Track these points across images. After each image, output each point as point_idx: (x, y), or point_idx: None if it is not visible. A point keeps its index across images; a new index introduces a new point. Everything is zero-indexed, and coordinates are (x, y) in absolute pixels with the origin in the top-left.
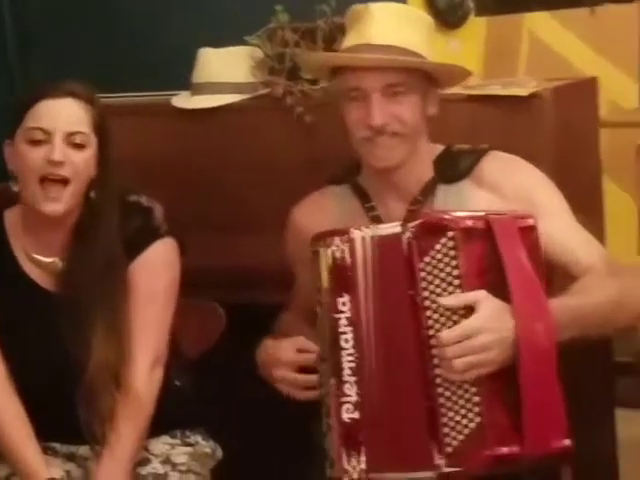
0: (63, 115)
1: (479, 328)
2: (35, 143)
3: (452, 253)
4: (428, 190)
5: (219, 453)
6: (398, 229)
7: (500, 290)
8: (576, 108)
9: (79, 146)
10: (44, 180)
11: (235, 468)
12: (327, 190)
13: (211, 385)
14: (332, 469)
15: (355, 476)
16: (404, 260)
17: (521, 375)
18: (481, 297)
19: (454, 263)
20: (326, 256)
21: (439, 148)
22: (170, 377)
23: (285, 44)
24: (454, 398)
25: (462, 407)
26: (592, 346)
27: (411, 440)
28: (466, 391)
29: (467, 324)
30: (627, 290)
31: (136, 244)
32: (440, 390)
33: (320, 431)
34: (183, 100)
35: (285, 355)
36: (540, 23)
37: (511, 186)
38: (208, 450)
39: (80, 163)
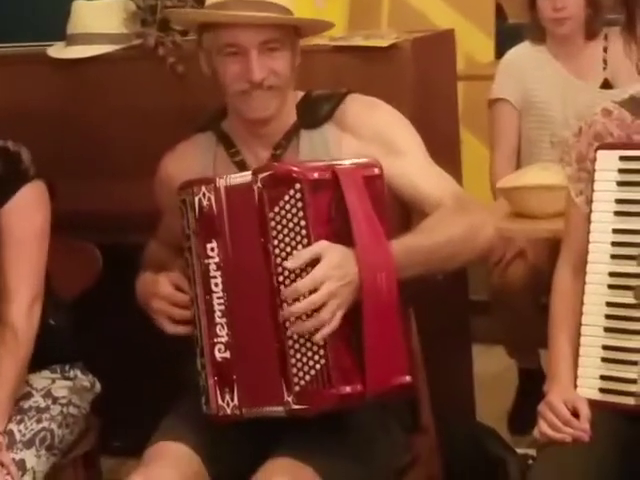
0: None
1: (322, 278)
2: None
3: (300, 204)
4: (291, 135)
5: (98, 387)
6: (249, 178)
7: (346, 238)
8: (435, 60)
9: None
10: None
11: (113, 401)
12: (194, 138)
13: (90, 322)
14: (207, 405)
15: (229, 412)
16: (255, 209)
17: (364, 319)
18: (324, 247)
19: (301, 214)
20: (193, 204)
21: (300, 94)
22: (46, 317)
23: None
24: (301, 341)
25: (309, 349)
26: (449, 286)
27: (266, 378)
28: (312, 334)
29: (311, 277)
30: (474, 227)
31: (6, 188)
32: (289, 333)
33: (194, 369)
34: (58, 50)
35: (162, 289)
36: None
37: (369, 126)
38: (87, 384)
39: None
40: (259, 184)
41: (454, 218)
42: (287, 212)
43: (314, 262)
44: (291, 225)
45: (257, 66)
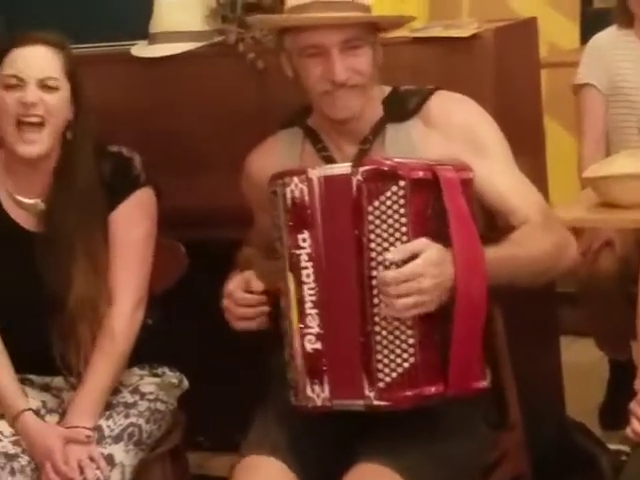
0: (35, 62)
1: (421, 272)
2: (10, 88)
3: (401, 201)
4: (378, 129)
5: (185, 383)
6: (348, 170)
7: (441, 238)
8: (517, 49)
9: (52, 89)
10: (21, 123)
11: (199, 396)
12: (279, 135)
13: (176, 319)
14: (296, 397)
15: (319, 403)
16: (352, 201)
17: (454, 322)
18: (424, 245)
19: (402, 211)
20: (285, 195)
21: (387, 89)
22: (144, 316)
23: None
24: (390, 337)
25: (397, 347)
26: None
27: (350, 371)
28: (402, 332)
29: (411, 267)
30: (561, 246)
31: (118, 192)
32: (377, 328)
33: (280, 361)
34: (141, 49)
35: (228, 286)
36: None
37: (456, 125)
38: (174, 380)
39: (54, 104)
40: (359, 177)
41: (542, 235)
42: (388, 208)
43: (411, 259)
44: (391, 221)
45: (339, 66)
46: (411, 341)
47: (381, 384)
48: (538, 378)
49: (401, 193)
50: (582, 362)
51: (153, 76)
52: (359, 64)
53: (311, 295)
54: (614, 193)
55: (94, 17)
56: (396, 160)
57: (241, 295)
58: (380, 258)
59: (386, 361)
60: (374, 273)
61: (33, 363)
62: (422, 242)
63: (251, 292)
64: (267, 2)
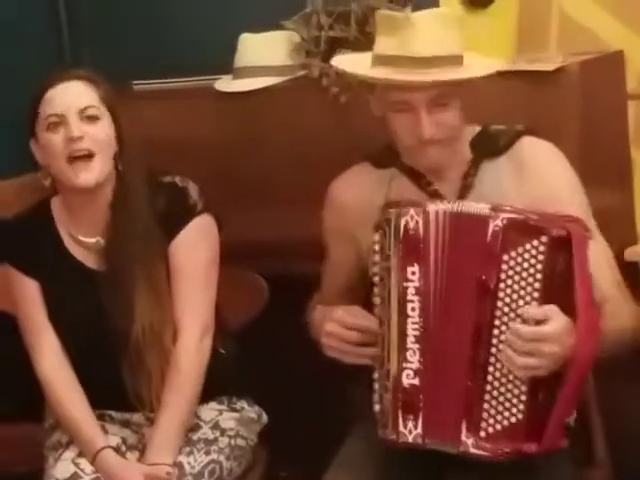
0: (72, 95)
1: (552, 337)
2: (53, 128)
3: (540, 257)
4: (475, 167)
5: (264, 418)
6: (486, 212)
7: (565, 301)
8: (603, 82)
9: (93, 119)
10: (71, 159)
11: (280, 431)
12: (366, 166)
13: (255, 353)
14: (386, 430)
15: (410, 439)
16: (485, 245)
17: (563, 387)
18: (554, 312)
19: (539, 267)
20: (398, 225)
21: (476, 128)
22: (215, 346)
23: (320, 28)
24: (502, 390)
25: (508, 400)
26: None
27: (449, 413)
28: (516, 387)
29: (544, 330)
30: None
31: (174, 223)
32: (490, 378)
33: (366, 395)
34: (225, 84)
35: (336, 313)
36: None
37: (543, 180)
38: (254, 415)
39: (99, 134)
40: (498, 223)
41: (625, 310)
42: (525, 261)
43: (542, 322)
44: (525, 274)
45: (427, 124)
46: (523, 397)
47: (482, 433)
48: (626, 414)
49: (541, 249)
50: None
51: (237, 110)
52: (447, 118)
53: (414, 329)
54: None
55: (177, 51)
56: (534, 212)
57: (353, 331)
58: (506, 309)
59: (493, 412)
60: (497, 322)
61: (110, 399)
62: (554, 309)
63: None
64: (352, 36)
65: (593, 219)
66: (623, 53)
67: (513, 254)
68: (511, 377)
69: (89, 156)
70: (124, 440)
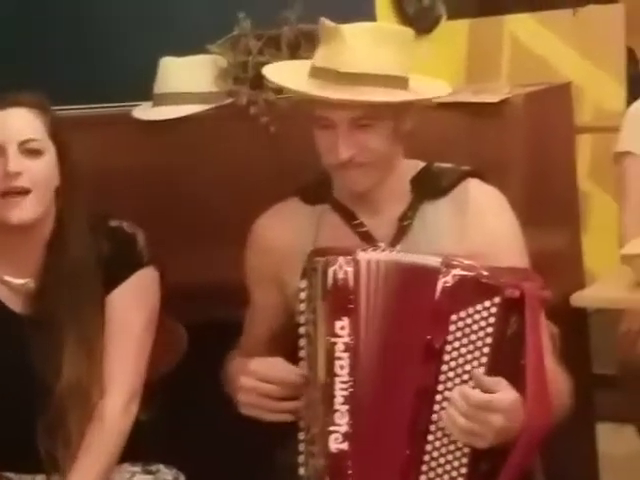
0: (13, 125)
1: (502, 409)
2: None
3: (491, 320)
4: (413, 207)
5: None
6: (437, 265)
7: (514, 367)
8: (550, 114)
9: (35, 153)
10: (6, 194)
11: None
12: (294, 202)
13: (175, 409)
14: None
15: None
16: (433, 302)
17: (509, 460)
18: (503, 385)
19: (489, 330)
20: (326, 275)
21: (418, 164)
22: (139, 410)
23: (248, 52)
24: (441, 460)
25: (447, 472)
26: (569, 358)
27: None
28: (456, 458)
29: (494, 399)
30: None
31: (117, 272)
32: (429, 447)
33: (289, 459)
34: (144, 111)
35: (255, 365)
36: (522, 25)
37: (484, 226)
38: (169, 478)
39: (39, 171)
40: (450, 278)
41: (558, 370)
42: (474, 322)
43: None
44: (474, 337)
45: (343, 144)
46: (463, 470)
47: None
48: (571, 467)
49: (493, 310)
50: (620, 452)
51: (157, 140)
52: (370, 141)
53: (343, 390)
54: None
55: (93, 75)
56: (487, 269)
57: (272, 385)
58: (451, 374)
59: (432, 475)
60: (440, 387)
61: (15, 458)
62: (504, 382)
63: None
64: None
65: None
66: (571, 84)
67: (463, 314)
68: (452, 447)
69: (25, 193)
70: None
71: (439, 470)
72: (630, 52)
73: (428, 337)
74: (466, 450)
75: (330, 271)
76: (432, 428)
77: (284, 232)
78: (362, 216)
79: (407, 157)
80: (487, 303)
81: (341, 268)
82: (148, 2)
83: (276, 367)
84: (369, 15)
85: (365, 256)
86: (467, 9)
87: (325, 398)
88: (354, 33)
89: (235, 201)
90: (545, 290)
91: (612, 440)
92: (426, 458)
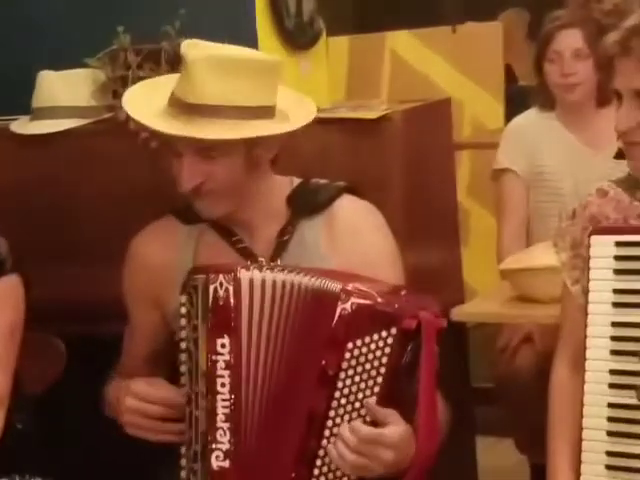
0: None
1: (388, 443)
2: None
3: (387, 350)
4: (291, 225)
5: None
6: (335, 290)
7: (405, 398)
8: (429, 130)
9: None
10: None
11: None
12: (172, 220)
13: (53, 425)
14: None
15: None
16: (329, 329)
17: None
18: (395, 418)
19: (384, 360)
20: (207, 292)
21: (294, 181)
22: (11, 419)
23: (128, 67)
24: None
25: None
26: (448, 372)
27: None
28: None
29: (384, 433)
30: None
31: None
32: (316, 472)
33: (171, 475)
34: (22, 125)
35: (136, 386)
36: (402, 42)
37: (358, 244)
38: None
39: None
40: (347, 307)
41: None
42: (370, 352)
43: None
44: (368, 366)
45: (188, 173)
46: None
47: None
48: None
49: (389, 341)
50: (501, 466)
51: (35, 155)
52: (215, 171)
53: (224, 407)
54: (532, 287)
55: None
56: (384, 298)
57: (155, 404)
58: (343, 401)
59: None
60: (332, 413)
61: None
62: (395, 415)
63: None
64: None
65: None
66: (450, 100)
67: (359, 343)
68: (339, 473)
69: None
70: None
71: None
72: (508, 69)
73: (323, 362)
74: (353, 478)
75: (211, 288)
76: (321, 453)
77: (161, 250)
78: (239, 234)
79: (284, 173)
80: (384, 333)
81: (222, 285)
82: (25, 17)
83: (159, 388)
84: (249, 31)
85: (247, 274)
86: (347, 26)
87: (207, 415)
88: (198, 64)
89: (114, 217)
90: (441, 318)
91: (492, 453)
92: None
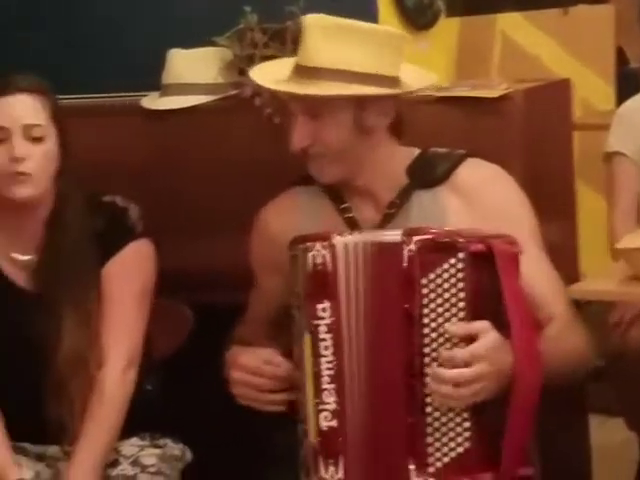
0: (18, 111)
1: (480, 356)
2: None
3: (460, 275)
4: (404, 195)
5: (188, 455)
6: (398, 238)
7: (496, 319)
8: (548, 110)
9: (38, 139)
10: (9, 174)
11: (204, 471)
12: (294, 191)
13: (179, 387)
14: (308, 477)
15: None
16: (402, 272)
17: (511, 410)
18: (486, 328)
19: (460, 285)
20: (306, 261)
21: (414, 152)
22: (140, 380)
23: (254, 45)
24: (443, 419)
25: (451, 430)
26: None
27: (390, 454)
28: (458, 414)
29: (471, 349)
30: (586, 349)
31: (111, 244)
32: (429, 409)
33: (288, 438)
34: (152, 101)
35: (246, 359)
36: (513, 24)
37: (489, 201)
38: (177, 452)
39: (41, 156)
40: (412, 247)
41: (573, 335)
42: (444, 281)
43: (469, 340)
44: (447, 295)
45: (297, 135)
46: (466, 424)
47: (431, 469)
48: (564, 459)
49: (459, 266)
50: (611, 443)
51: (164, 130)
52: (324, 133)
53: (329, 369)
54: None
55: (102, 64)
56: (448, 229)
57: (262, 377)
58: (434, 334)
59: (438, 445)
60: (427, 350)
61: (28, 429)
62: (484, 325)
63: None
64: (288, 55)
65: (540, 238)
66: (569, 81)
67: (432, 276)
68: (451, 414)
69: (28, 174)
70: (38, 474)
71: (444, 429)
72: (620, 51)
73: (406, 305)
74: (466, 407)
75: (309, 256)
76: (427, 391)
77: (287, 222)
78: (356, 202)
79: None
80: (452, 260)
81: (319, 252)
82: None
83: (265, 359)
84: (371, 10)
85: (341, 240)
86: (458, 7)
87: (314, 379)
88: (322, 29)
89: (239, 190)
90: (515, 245)
91: (602, 431)
92: (428, 420)
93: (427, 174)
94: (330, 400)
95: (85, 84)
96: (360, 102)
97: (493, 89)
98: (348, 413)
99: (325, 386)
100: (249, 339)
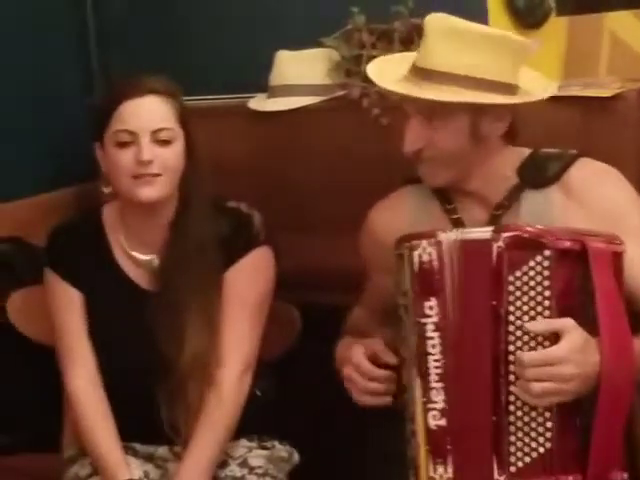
0: (147, 114)
1: (563, 358)
2: (123, 145)
3: (546, 273)
4: (513, 196)
5: (295, 457)
6: (488, 235)
7: (586, 317)
8: None
9: (166, 142)
10: (136, 177)
11: (311, 473)
12: (403, 191)
13: (288, 389)
14: (416, 476)
15: None
16: (491, 269)
17: (598, 411)
18: (569, 326)
19: (546, 283)
20: (412, 259)
21: (524, 152)
22: (252, 386)
23: (362, 46)
24: (526, 419)
25: (533, 429)
26: None
27: (477, 453)
28: (540, 414)
29: (552, 351)
30: None
31: (235, 250)
32: (512, 408)
33: (398, 437)
34: (260, 103)
35: (355, 356)
36: (622, 23)
37: (599, 200)
38: (284, 454)
39: (169, 158)
40: (501, 243)
41: None
42: (530, 279)
43: (554, 338)
44: (532, 293)
45: (410, 137)
46: (549, 424)
47: (512, 468)
48: None
49: (546, 264)
50: None
51: (272, 131)
52: (436, 136)
53: (437, 367)
54: None
55: (209, 68)
56: (539, 227)
57: (370, 368)
58: (519, 333)
59: (520, 444)
60: (511, 348)
61: (139, 429)
62: (567, 322)
63: (379, 365)
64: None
65: None
66: None
67: (518, 274)
68: (530, 408)
69: (156, 175)
70: (146, 474)
71: (526, 429)
72: None
73: (493, 303)
74: (548, 407)
75: (415, 255)
76: (512, 388)
77: (396, 222)
78: (465, 203)
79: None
80: (539, 258)
81: (425, 250)
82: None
83: (376, 354)
84: (480, 9)
85: (445, 236)
86: (566, 6)
87: (421, 377)
88: (442, 32)
89: (345, 191)
90: (617, 244)
91: None
92: (511, 419)
93: (538, 175)
94: (438, 399)
95: (193, 86)
96: (477, 109)
97: (606, 88)
98: (455, 411)
99: (433, 385)
100: (362, 327)
